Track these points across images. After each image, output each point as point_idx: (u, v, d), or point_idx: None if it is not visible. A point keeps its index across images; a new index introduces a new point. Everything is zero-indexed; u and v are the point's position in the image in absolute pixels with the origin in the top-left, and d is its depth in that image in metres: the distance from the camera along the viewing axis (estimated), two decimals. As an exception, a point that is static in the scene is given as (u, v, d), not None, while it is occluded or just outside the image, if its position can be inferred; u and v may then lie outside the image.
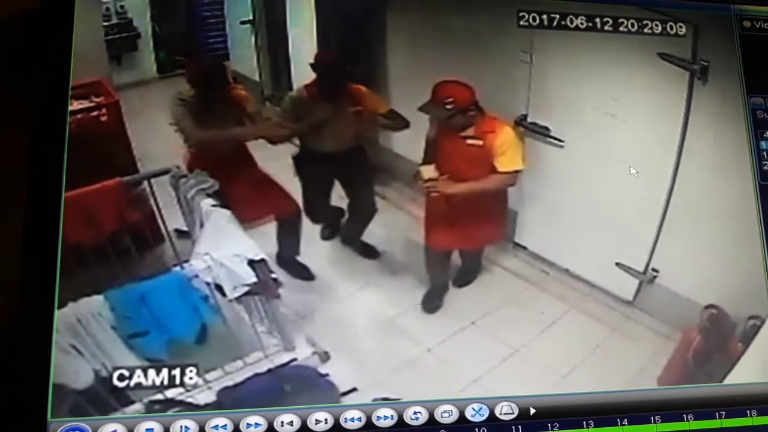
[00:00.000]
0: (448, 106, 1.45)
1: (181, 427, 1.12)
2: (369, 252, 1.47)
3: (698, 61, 1.52)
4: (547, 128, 1.50)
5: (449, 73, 1.44)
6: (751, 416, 1.34)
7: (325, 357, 1.28)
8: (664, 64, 1.51)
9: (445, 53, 1.48)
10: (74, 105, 1.23)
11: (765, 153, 1.50)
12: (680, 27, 1.53)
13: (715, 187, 1.50)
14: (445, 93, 1.44)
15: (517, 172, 1.47)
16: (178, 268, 1.27)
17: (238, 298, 1.25)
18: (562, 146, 1.51)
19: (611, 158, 1.48)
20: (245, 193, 1.39)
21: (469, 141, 1.49)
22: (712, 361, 1.41)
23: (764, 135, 1.51)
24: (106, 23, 1.37)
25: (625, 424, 1.28)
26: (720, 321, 1.43)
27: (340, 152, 1.49)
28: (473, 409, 1.23)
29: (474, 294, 1.45)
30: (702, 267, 1.48)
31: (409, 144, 1.48)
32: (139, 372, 1.15)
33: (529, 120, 1.51)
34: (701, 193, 1.50)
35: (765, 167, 1.49)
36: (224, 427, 1.13)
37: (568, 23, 1.50)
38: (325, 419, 1.17)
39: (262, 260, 1.26)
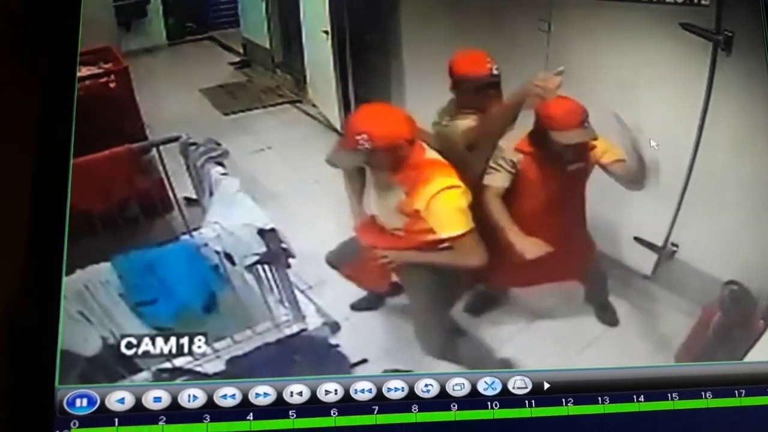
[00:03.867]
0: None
1: (189, 395, 1.13)
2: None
3: (722, 31, 1.51)
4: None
5: (464, 40, 1.45)
6: (771, 394, 1.33)
7: (335, 327, 1.30)
8: (687, 35, 1.51)
9: (460, 21, 1.48)
10: (83, 71, 1.24)
11: (789, 126, 1.49)
12: (704, -5, 1.52)
13: (738, 162, 1.49)
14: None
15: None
16: (187, 237, 1.29)
17: (248, 268, 1.27)
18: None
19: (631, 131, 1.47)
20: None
21: None
22: (733, 338, 1.41)
23: (789, 108, 1.49)
24: (115, -11, 1.39)
25: (641, 401, 1.27)
26: (741, 297, 1.43)
27: None
28: (485, 382, 1.24)
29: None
30: (723, 242, 1.48)
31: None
32: (147, 340, 1.17)
33: (546, 90, 1.51)
34: (723, 167, 1.50)
35: (789, 141, 1.48)
36: (233, 396, 1.14)
37: (588, -9, 1.49)
38: (335, 390, 1.18)
39: (273, 230, 1.27)
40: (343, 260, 1.38)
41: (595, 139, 1.44)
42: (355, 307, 1.38)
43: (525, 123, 1.47)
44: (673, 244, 1.51)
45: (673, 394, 1.29)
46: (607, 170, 1.48)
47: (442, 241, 1.34)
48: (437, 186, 1.33)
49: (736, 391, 1.32)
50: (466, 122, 1.46)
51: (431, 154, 1.37)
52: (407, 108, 1.51)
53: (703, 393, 1.31)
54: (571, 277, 1.51)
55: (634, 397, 1.28)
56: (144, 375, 1.16)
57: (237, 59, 1.65)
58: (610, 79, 1.51)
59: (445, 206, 1.33)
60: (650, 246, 1.52)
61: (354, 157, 1.33)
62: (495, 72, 1.45)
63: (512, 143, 1.47)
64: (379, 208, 1.40)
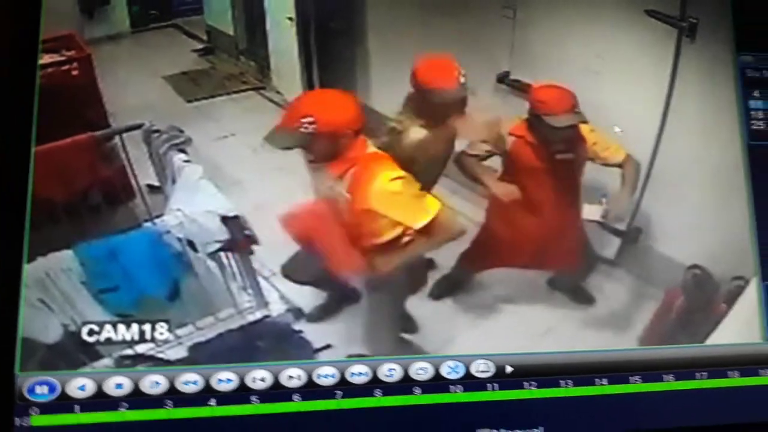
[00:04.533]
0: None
1: (151, 382, 1.14)
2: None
3: (687, 18, 1.52)
4: (529, 85, 1.51)
5: (430, 28, 1.45)
6: (732, 377, 1.35)
7: (298, 314, 1.30)
8: (652, 21, 1.52)
9: (426, 7, 1.48)
10: (45, 59, 1.24)
11: (754, 112, 1.51)
12: (669, -18, 1.53)
13: (702, 147, 1.51)
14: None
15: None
16: (149, 224, 1.29)
17: (210, 255, 1.28)
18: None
19: (595, 116, 1.48)
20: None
21: None
22: (695, 321, 1.43)
23: (753, 94, 1.51)
24: (77, -25, 1.39)
25: (603, 384, 1.30)
26: (704, 281, 1.45)
27: None
28: (449, 366, 1.25)
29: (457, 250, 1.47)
30: (686, 227, 1.50)
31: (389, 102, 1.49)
32: (108, 327, 1.17)
33: (511, 77, 1.52)
34: (687, 152, 1.51)
35: (753, 127, 1.50)
36: (195, 383, 1.16)
37: (553, -23, 1.51)
38: (298, 375, 1.19)
39: (236, 217, 1.28)
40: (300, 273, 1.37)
41: (585, 122, 1.47)
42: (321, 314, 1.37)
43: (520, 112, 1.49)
44: (637, 228, 1.53)
45: (636, 377, 1.32)
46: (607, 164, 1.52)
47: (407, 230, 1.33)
48: (384, 179, 1.31)
49: (698, 374, 1.34)
50: (419, 134, 1.44)
51: (372, 149, 1.35)
52: (372, 96, 1.52)
53: (665, 376, 1.33)
54: (558, 266, 1.53)
55: (596, 380, 1.30)
56: (105, 362, 1.16)
57: (200, 46, 1.65)
58: (575, 65, 1.52)
59: (403, 197, 1.32)
60: (614, 230, 1.53)
61: (294, 138, 1.29)
62: (462, 81, 1.43)
63: (506, 127, 1.49)
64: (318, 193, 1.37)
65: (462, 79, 1.42)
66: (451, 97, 1.43)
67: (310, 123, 1.27)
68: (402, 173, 1.32)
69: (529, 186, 1.50)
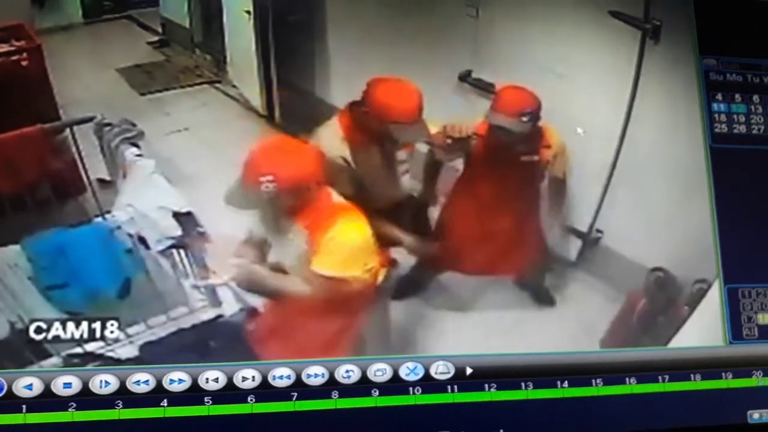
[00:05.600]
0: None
1: (100, 381, 1.12)
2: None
3: (651, 20, 1.53)
4: (492, 85, 1.51)
5: (391, 24, 1.45)
6: (694, 380, 1.36)
7: (253, 313, 1.29)
8: (615, 23, 1.53)
9: (388, 2, 1.49)
10: (-6, 49, 1.22)
11: (717, 115, 1.53)
12: (633, -16, 1.54)
13: (665, 149, 1.52)
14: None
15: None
16: (99, 219, 1.27)
17: (162, 252, 1.26)
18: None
19: (557, 117, 1.49)
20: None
21: None
22: (657, 324, 1.44)
23: (716, 97, 1.53)
24: (27, -36, 1.37)
25: (565, 386, 1.30)
26: (666, 284, 1.46)
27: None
28: (408, 367, 1.25)
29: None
30: (649, 229, 1.50)
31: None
32: (57, 324, 1.15)
33: (473, 76, 1.52)
34: (650, 154, 1.52)
35: (716, 130, 1.52)
36: (146, 382, 1.14)
37: (517, -24, 1.51)
38: (252, 377, 1.18)
39: (189, 213, 1.27)
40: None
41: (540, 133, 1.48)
42: None
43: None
44: (598, 231, 1.53)
45: (598, 380, 1.32)
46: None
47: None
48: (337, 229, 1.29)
49: (660, 377, 1.35)
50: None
51: (338, 198, 1.32)
52: (331, 91, 1.52)
53: (627, 378, 1.34)
54: (511, 272, 1.52)
55: (558, 382, 1.30)
56: (53, 360, 1.14)
57: (155, 38, 1.63)
58: (538, 65, 1.52)
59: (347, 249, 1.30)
60: (575, 232, 1.53)
61: (256, 198, 1.26)
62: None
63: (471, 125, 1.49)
64: (278, 255, 1.33)
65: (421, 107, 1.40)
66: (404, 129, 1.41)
67: (270, 182, 1.24)
68: (359, 224, 1.30)
69: (488, 188, 1.50)
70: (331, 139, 1.37)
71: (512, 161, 1.50)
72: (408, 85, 1.39)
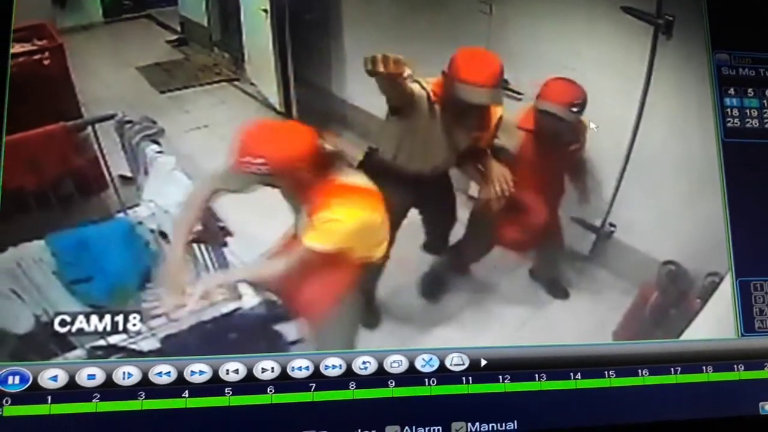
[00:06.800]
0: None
1: (123, 373, 1.15)
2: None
3: (663, 15, 1.55)
4: (506, 81, 1.51)
5: (406, 22, 1.47)
6: (706, 372, 1.38)
7: (272, 306, 1.32)
8: (628, 18, 1.54)
9: (402, 2, 1.52)
10: (16, 48, 1.25)
11: (729, 110, 1.53)
12: (645, -20, 1.55)
13: (677, 144, 1.53)
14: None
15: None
16: (121, 215, 1.30)
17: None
18: (520, 99, 1.54)
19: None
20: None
21: None
22: (669, 316, 1.45)
23: (728, 92, 1.54)
24: (49, -35, 1.39)
25: (578, 378, 1.32)
26: (678, 277, 1.48)
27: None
28: (423, 359, 1.27)
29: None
30: (661, 223, 1.52)
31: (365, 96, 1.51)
32: (81, 317, 1.18)
33: (487, 72, 1.54)
34: (662, 149, 1.54)
35: (728, 124, 1.52)
36: (168, 374, 1.17)
37: (530, -27, 1.52)
38: (272, 368, 1.21)
39: (209, 208, 1.29)
40: None
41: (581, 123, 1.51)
42: None
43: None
44: (611, 225, 1.55)
45: (610, 372, 1.34)
46: None
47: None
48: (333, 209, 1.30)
49: (672, 369, 1.37)
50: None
51: (350, 179, 1.34)
52: (347, 88, 1.54)
53: (639, 370, 1.35)
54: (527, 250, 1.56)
55: (571, 374, 1.32)
56: (78, 352, 1.17)
57: (174, 37, 1.66)
58: (551, 61, 1.54)
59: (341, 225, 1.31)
60: (588, 226, 1.55)
61: (249, 179, 1.26)
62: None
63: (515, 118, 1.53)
64: (296, 228, 1.36)
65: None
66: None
67: (263, 164, 1.24)
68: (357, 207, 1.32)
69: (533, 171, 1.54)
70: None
71: (559, 149, 1.54)
72: (487, 53, 1.45)
